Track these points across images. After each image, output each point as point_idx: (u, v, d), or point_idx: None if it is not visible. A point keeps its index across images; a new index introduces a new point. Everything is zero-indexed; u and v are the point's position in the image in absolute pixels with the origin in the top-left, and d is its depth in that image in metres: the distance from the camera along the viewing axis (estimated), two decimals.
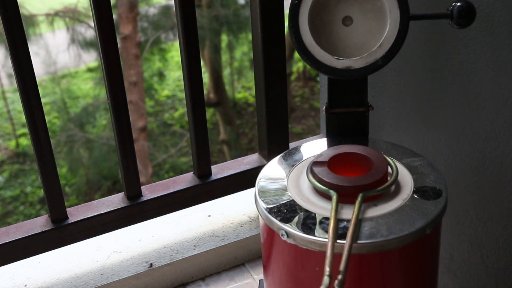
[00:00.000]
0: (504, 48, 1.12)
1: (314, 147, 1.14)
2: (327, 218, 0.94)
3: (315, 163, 0.99)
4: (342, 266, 0.82)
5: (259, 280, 1.25)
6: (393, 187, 0.99)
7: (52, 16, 5.60)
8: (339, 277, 0.81)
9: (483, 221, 1.27)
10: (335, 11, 1.07)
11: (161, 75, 6.37)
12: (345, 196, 0.95)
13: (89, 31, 5.51)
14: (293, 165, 1.08)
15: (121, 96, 1.31)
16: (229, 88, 6.47)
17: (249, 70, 6.36)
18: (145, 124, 5.47)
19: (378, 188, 0.95)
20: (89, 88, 6.38)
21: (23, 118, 5.84)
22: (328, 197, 0.97)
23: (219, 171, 1.49)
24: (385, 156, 1.02)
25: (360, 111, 1.12)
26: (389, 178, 0.98)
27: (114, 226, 1.41)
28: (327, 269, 0.82)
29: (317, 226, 0.93)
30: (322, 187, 0.96)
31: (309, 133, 6.20)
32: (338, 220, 0.93)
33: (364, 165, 1.00)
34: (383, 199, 0.97)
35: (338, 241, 0.90)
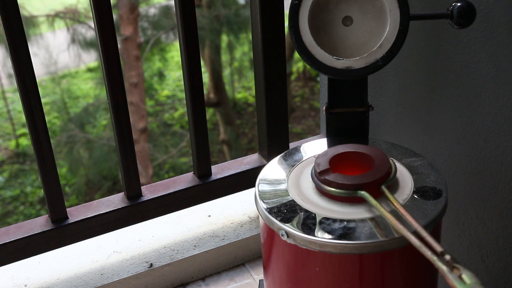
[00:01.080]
0: (504, 48, 1.12)
1: (314, 147, 1.13)
2: (327, 218, 0.94)
3: (321, 173, 0.98)
4: (439, 248, 0.82)
5: (259, 280, 1.25)
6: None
7: (53, 17, 5.60)
8: (447, 257, 0.81)
9: (483, 221, 1.27)
10: (335, 11, 1.07)
11: (161, 75, 6.36)
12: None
13: (89, 31, 5.51)
14: (293, 165, 1.08)
15: (121, 97, 1.31)
16: (229, 88, 6.47)
17: (249, 70, 6.36)
18: (146, 125, 5.47)
19: (390, 176, 0.97)
20: (89, 88, 6.39)
21: (23, 118, 5.84)
22: (331, 197, 0.97)
23: (219, 171, 1.49)
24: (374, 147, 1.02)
25: (360, 111, 1.12)
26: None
27: (114, 226, 1.41)
28: (431, 255, 0.81)
29: (317, 226, 0.93)
30: (349, 191, 0.95)
31: (309, 133, 6.20)
32: (348, 221, 0.94)
33: (363, 161, 1.00)
34: (383, 199, 0.97)
35: (342, 241, 0.90)
